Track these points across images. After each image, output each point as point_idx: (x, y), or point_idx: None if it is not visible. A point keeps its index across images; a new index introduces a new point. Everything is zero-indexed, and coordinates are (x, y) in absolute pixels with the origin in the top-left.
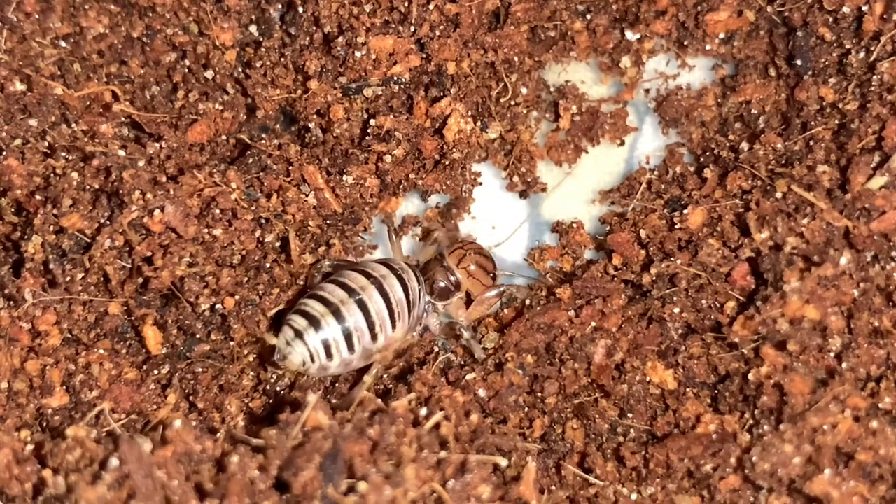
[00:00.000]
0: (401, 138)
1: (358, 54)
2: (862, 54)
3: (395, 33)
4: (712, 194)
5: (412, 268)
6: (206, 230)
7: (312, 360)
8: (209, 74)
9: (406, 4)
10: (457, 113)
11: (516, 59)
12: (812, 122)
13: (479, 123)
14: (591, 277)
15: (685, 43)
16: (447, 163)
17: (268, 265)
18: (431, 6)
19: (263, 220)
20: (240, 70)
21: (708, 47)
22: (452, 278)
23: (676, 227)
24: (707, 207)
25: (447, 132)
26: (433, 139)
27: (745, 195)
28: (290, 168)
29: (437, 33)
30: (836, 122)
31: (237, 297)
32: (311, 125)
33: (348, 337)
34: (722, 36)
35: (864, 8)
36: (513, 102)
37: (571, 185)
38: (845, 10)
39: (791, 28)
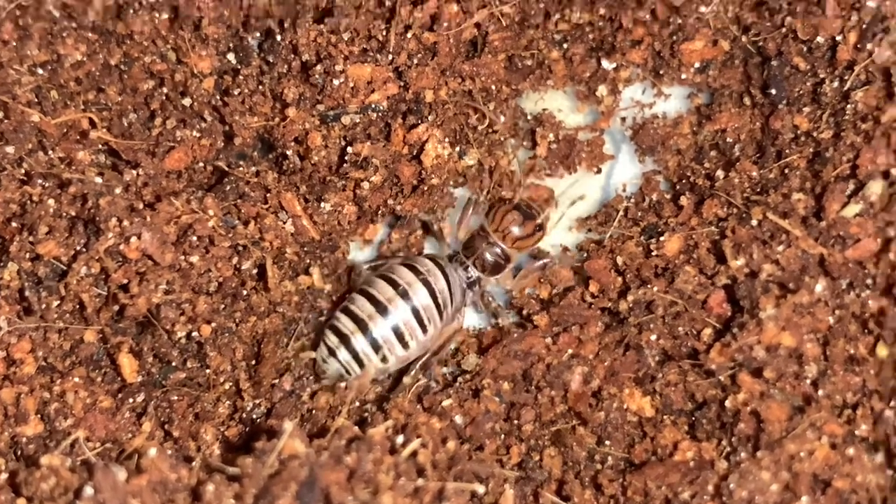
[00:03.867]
0: (378, 165)
1: (336, 82)
2: (836, 83)
3: (372, 61)
4: (688, 222)
5: (441, 265)
6: (182, 257)
7: (348, 373)
8: (187, 102)
9: (384, 33)
10: (434, 139)
11: (493, 87)
12: (787, 151)
13: (457, 150)
14: (568, 304)
15: (661, 72)
16: (425, 188)
17: (245, 292)
18: (409, 35)
19: (241, 248)
20: (217, 97)
21: (683, 76)
22: (499, 250)
23: (653, 254)
24: (683, 235)
25: (425, 158)
26: (411, 165)
27: (721, 223)
28: (268, 195)
29: (415, 61)
30: (811, 150)
31: (214, 325)
32: (289, 152)
33: (377, 349)
34: (697, 65)
35: (838, 38)
36: (490, 130)
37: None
38: (819, 39)
39: (766, 57)
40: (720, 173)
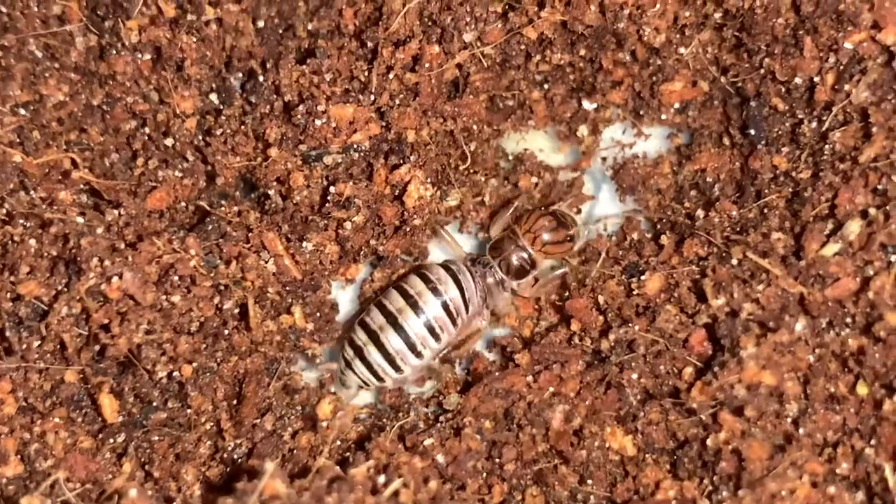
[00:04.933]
0: (361, 205)
1: (318, 122)
2: (814, 124)
3: (355, 102)
4: (669, 261)
5: (454, 273)
6: (164, 297)
7: (367, 384)
8: (169, 142)
9: (366, 74)
10: (416, 180)
11: (475, 127)
12: (766, 190)
13: (438, 191)
14: (549, 343)
15: (641, 112)
16: (407, 229)
17: (226, 332)
18: (391, 76)
19: (222, 287)
20: (200, 137)
21: (663, 117)
22: (526, 255)
23: (634, 293)
24: (664, 274)
25: (407, 199)
26: (393, 206)
27: (702, 262)
28: (250, 235)
29: (397, 102)
30: (790, 190)
31: (195, 365)
32: (271, 192)
33: (392, 361)
34: (677, 106)
35: (816, 79)
36: (472, 170)
37: None
38: (797, 80)
39: (744, 98)
40: (700, 213)
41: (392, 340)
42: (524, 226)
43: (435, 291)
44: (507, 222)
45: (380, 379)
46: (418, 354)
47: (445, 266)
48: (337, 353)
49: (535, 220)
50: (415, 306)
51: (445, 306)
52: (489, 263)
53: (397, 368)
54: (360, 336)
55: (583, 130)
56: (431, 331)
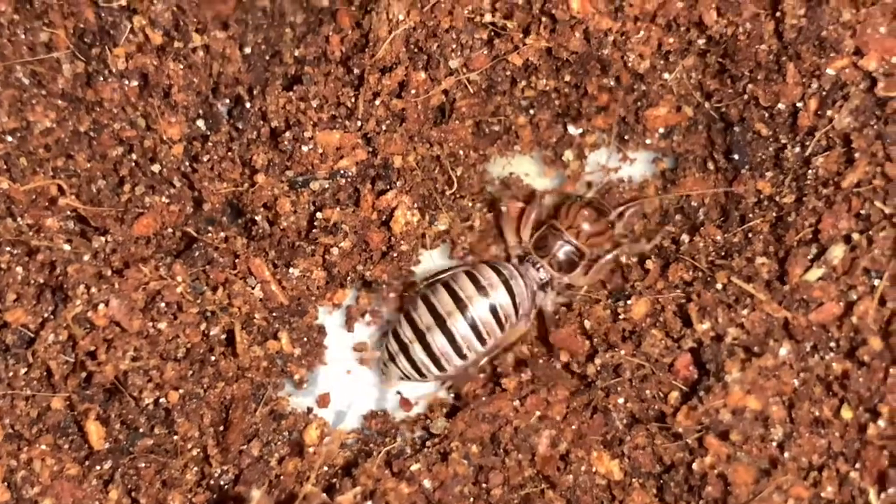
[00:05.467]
0: (347, 231)
1: (305, 148)
2: (797, 149)
3: (341, 128)
4: (655, 285)
5: (505, 277)
6: (150, 324)
7: (408, 377)
8: (156, 168)
9: (353, 100)
10: (403, 205)
11: (461, 152)
12: (750, 215)
13: (427, 216)
14: (536, 367)
15: (626, 137)
16: (394, 254)
17: (213, 358)
18: (378, 102)
19: (209, 314)
20: (187, 164)
21: (648, 141)
22: (573, 249)
23: (620, 317)
24: (650, 299)
25: (394, 224)
26: (380, 231)
27: (687, 286)
28: (237, 261)
29: (384, 128)
30: (774, 214)
31: (181, 391)
32: (258, 218)
33: (436, 361)
34: (661, 130)
35: (799, 104)
36: (459, 195)
37: None
38: (780, 106)
39: (728, 123)
40: (685, 237)
41: (438, 341)
42: (565, 220)
43: (485, 295)
44: (537, 221)
45: (422, 375)
46: (463, 356)
47: (497, 269)
48: (381, 345)
49: (575, 213)
50: (464, 310)
51: (494, 311)
52: (537, 262)
53: (440, 367)
54: (407, 332)
55: (568, 155)
56: (478, 335)
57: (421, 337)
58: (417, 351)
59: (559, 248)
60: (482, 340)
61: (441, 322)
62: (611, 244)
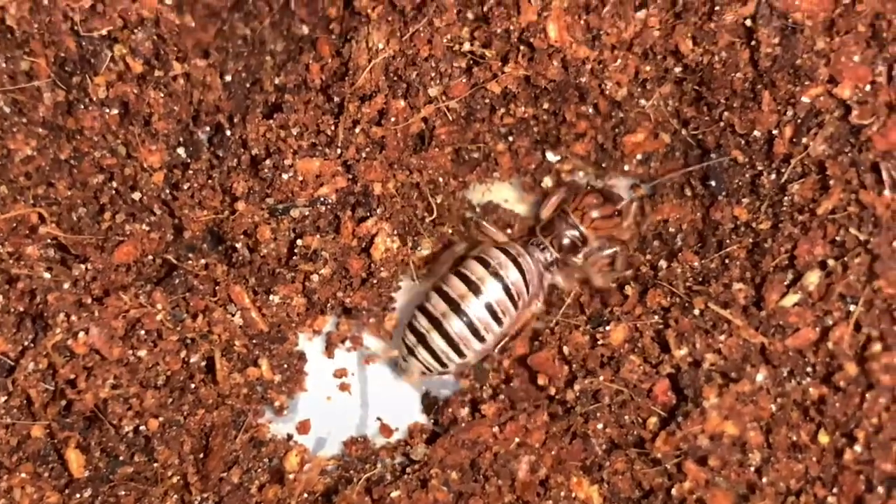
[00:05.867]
0: (327, 258)
1: (285, 176)
2: (773, 176)
3: (321, 155)
4: (633, 311)
5: (514, 256)
6: (130, 351)
7: (430, 370)
8: (136, 196)
9: (333, 128)
10: (383, 232)
11: (441, 179)
12: (727, 241)
13: (410, 242)
14: (515, 393)
15: (604, 164)
16: (374, 281)
17: (193, 386)
18: (357, 129)
19: (189, 341)
20: (167, 191)
21: (626, 168)
22: (577, 233)
23: (599, 343)
24: (628, 324)
25: (374, 251)
26: (360, 258)
27: (665, 312)
28: (217, 288)
29: (364, 155)
30: (751, 240)
31: (161, 419)
32: (238, 245)
33: (455, 347)
34: (639, 157)
35: (775, 132)
36: (438, 222)
37: None
38: (756, 133)
39: (705, 150)
40: (663, 263)
41: (455, 326)
42: (573, 203)
43: (496, 276)
44: (557, 204)
45: (443, 365)
46: (481, 339)
47: (504, 250)
48: (397, 341)
49: (583, 197)
50: (477, 291)
51: (507, 290)
52: (542, 243)
53: (461, 354)
54: (423, 322)
55: (547, 181)
56: (494, 315)
57: (438, 325)
58: (436, 339)
59: (564, 229)
60: (498, 320)
61: (455, 307)
62: (619, 233)
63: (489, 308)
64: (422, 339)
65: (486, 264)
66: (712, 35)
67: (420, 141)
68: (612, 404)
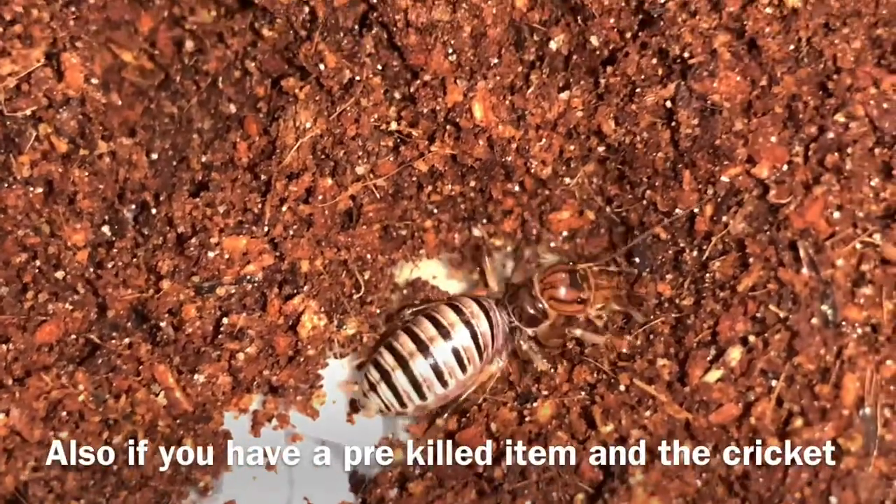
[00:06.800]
0: (254, 336)
1: (211, 254)
2: (695, 253)
3: (248, 233)
4: (560, 388)
5: (486, 308)
6: (52, 433)
7: (388, 408)
8: (60, 275)
9: (260, 206)
10: (310, 310)
11: (369, 256)
12: (651, 317)
13: (335, 321)
14: (443, 470)
15: (531, 240)
16: (301, 359)
17: (115, 467)
18: (285, 207)
19: (111, 422)
20: (91, 270)
21: (552, 244)
22: (539, 307)
23: (526, 419)
24: (556, 401)
25: (301, 329)
26: (287, 336)
27: (591, 388)
28: (141, 368)
29: (291, 233)
30: (674, 316)
31: (83, 502)
32: (163, 324)
33: (417, 387)
34: (565, 234)
35: (696, 210)
36: (366, 299)
37: None
38: (678, 211)
39: (629, 227)
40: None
41: (420, 367)
42: (542, 276)
43: (467, 324)
44: (526, 270)
45: (402, 405)
46: (444, 383)
47: (478, 301)
48: (360, 375)
49: (551, 274)
50: (446, 336)
51: (475, 339)
52: (507, 308)
53: (422, 395)
54: (388, 360)
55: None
56: (460, 361)
57: (404, 364)
58: (400, 378)
59: (525, 301)
60: (463, 367)
61: (424, 348)
62: (582, 315)
63: (456, 354)
64: (385, 377)
65: (459, 312)
66: (634, 116)
67: (348, 218)
68: (540, 481)
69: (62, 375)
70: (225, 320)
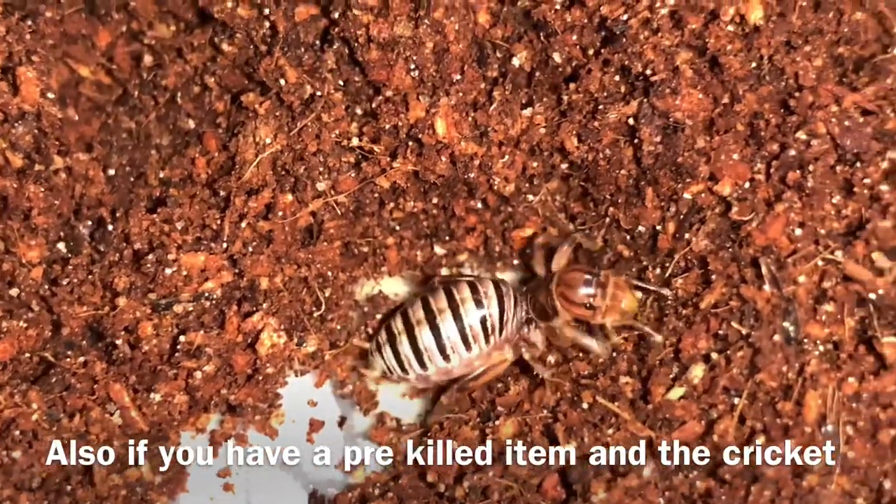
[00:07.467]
0: (212, 354)
1: (168, 271)
2: (658, 270)
3: (206, 250)
4: (522, 406)
5: (501, 293)
6: (4, 453)
7: (391, 371)
8: (14, 292)
9: (218, 222)
10: (269, 328)
11: (330, 273)
12: (616, 336)
13: (295, 338)
14: (403, 490)
15: (494, 256)
16: (260, 378)
17: (69, 487)
18: (244, 224)
19: (65, 442)
20: (46, 287)
21: (515, 262)
22: (550, 301)
23: (488, 438)
24: (518, 419)
25: (259, 347)
26: (245, 354)
27: (554, 406)
28: (96, 386)
29: (250, 249)
30: (637, 334)
31: None
32: (119, 342)
33: (419, 357)
34: (528, 251)
35: (658, 227)
36: (327, 317)
37: (387, 392)
38: (641, 229)
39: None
40: (551, 359)
41: (424, 337)
42: (560, 271)
43: (478, 303)
44: (564, 260)
45: (404, 370)
46: (446, 358)
47: (496, 284)
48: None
49: (571, 271)
50: (455, 310)
51: (483, 320)
52: (525, 296)
53: (423, 364)
54: (398, 324)
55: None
56: (464, 339)
57: (410, 330)
58: (404, 343)
59: (539, 293)
60: (467, 345)
61: (431, 318)
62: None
63: (461, 331)
64: (392, 340)
65: (473, 289)
66: (596, 133)
67: (308, 235)
68: (502, 500)
69: (15, 394)
70: (182, 338)
